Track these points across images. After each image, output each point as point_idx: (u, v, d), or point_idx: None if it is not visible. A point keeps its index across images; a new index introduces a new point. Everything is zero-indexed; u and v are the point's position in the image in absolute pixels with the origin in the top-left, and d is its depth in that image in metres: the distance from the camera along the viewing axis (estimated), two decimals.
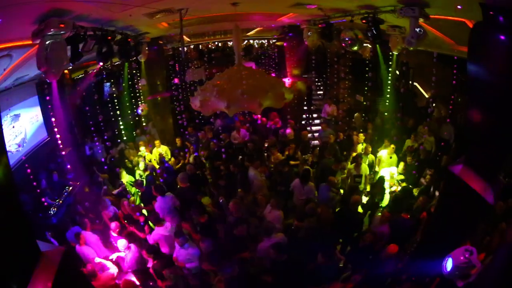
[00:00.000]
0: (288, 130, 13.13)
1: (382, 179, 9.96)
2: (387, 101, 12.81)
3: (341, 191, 10.11)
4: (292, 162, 11.19)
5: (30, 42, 5.35)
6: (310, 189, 9.44)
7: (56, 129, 10.05)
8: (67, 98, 12.34)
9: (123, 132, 13.53)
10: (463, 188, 5.44)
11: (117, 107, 13.85)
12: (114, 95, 14.00)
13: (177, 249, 7.77)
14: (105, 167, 11.46)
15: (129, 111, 14.34)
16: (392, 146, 10.97)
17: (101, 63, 9.24)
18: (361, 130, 12.63)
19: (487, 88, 4.86)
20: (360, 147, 11.79)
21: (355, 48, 9.99)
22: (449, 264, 4.79)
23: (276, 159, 11.20)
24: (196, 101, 7.74)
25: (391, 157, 10.92)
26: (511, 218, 6.35)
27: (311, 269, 6.97)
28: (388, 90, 12.58)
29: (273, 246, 6.92)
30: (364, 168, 10.53)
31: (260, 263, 7.25)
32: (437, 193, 9.00)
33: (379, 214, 8.68)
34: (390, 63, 12.13)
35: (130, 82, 14.21)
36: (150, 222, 8.98)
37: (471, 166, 5.47)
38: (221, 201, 9.14)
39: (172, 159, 12.40)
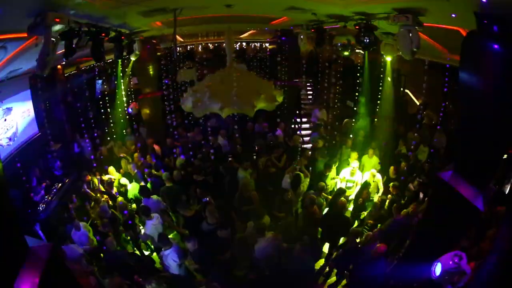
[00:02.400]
0: (279, 131, 13.15)
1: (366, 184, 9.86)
2: (377, 107, 12.91)
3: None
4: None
5: (25, 35, 5.30)
6: (300, 193, 9.47)
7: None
8: (59, 94, 12.28)
9: (113, 130, 13.42)
10: (452, 194, 5.49)
11: (108, 105, 13.74)
12: (106, 92, 13.89)
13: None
14: (94, 164, 11.36)
15: (120, 110, 14.22)
16: (371, 150, 11.11)
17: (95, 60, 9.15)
18: (351, 136, 12.67)
19: (479, 96, 4.92)
20: (347, 152, 11.78)
21: (347, 53, 10.03)
22: (438, 269, 4.84)
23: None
24: (188, 102, 7.71)
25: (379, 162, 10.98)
26: (500, 224, 6.42)
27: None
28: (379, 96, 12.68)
29: None
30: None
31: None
32: (421, 195, 9.09)
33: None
34: (382, 69, 12.19)
35: (122, 80, 14.10)
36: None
37: (462, 173, 5.53)
38: (205, 199, 9.03)
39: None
